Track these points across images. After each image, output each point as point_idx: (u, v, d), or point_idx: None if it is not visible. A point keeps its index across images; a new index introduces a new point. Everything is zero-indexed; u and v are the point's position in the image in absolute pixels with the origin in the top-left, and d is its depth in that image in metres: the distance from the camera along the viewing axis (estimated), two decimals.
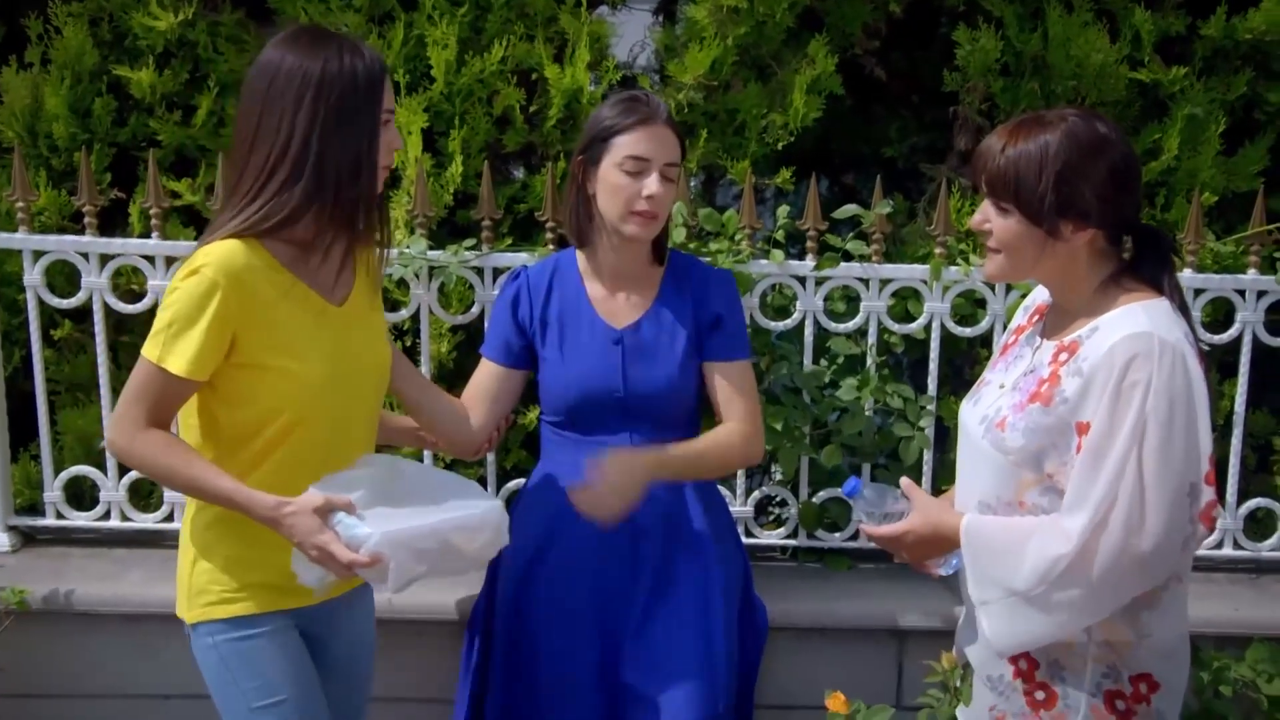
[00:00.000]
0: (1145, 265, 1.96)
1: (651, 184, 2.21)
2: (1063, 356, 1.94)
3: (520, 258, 2.76)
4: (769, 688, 2.74)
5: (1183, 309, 1.95)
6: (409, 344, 3.03)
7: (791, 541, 2.95)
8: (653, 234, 2.28)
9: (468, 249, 2.76)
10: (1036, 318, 2.12)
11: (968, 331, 2.87)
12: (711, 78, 2.91)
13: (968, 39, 2.97)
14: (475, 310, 2.83)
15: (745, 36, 2.91)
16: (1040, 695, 1.98)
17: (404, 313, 2.84)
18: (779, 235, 2.81)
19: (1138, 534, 1.80)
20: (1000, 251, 1.97)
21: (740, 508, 2.92)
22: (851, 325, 2.85)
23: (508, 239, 2.94)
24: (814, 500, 2.92)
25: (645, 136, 2.21)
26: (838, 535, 2.95)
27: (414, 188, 2.82)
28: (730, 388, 2.38)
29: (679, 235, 2.75)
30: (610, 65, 2.87)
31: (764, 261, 2.79)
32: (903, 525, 1.99)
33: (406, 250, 2.73)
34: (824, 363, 2.89)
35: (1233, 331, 2.85)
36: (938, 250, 2.81)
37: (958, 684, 2.14)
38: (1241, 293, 2.82)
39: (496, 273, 2.78)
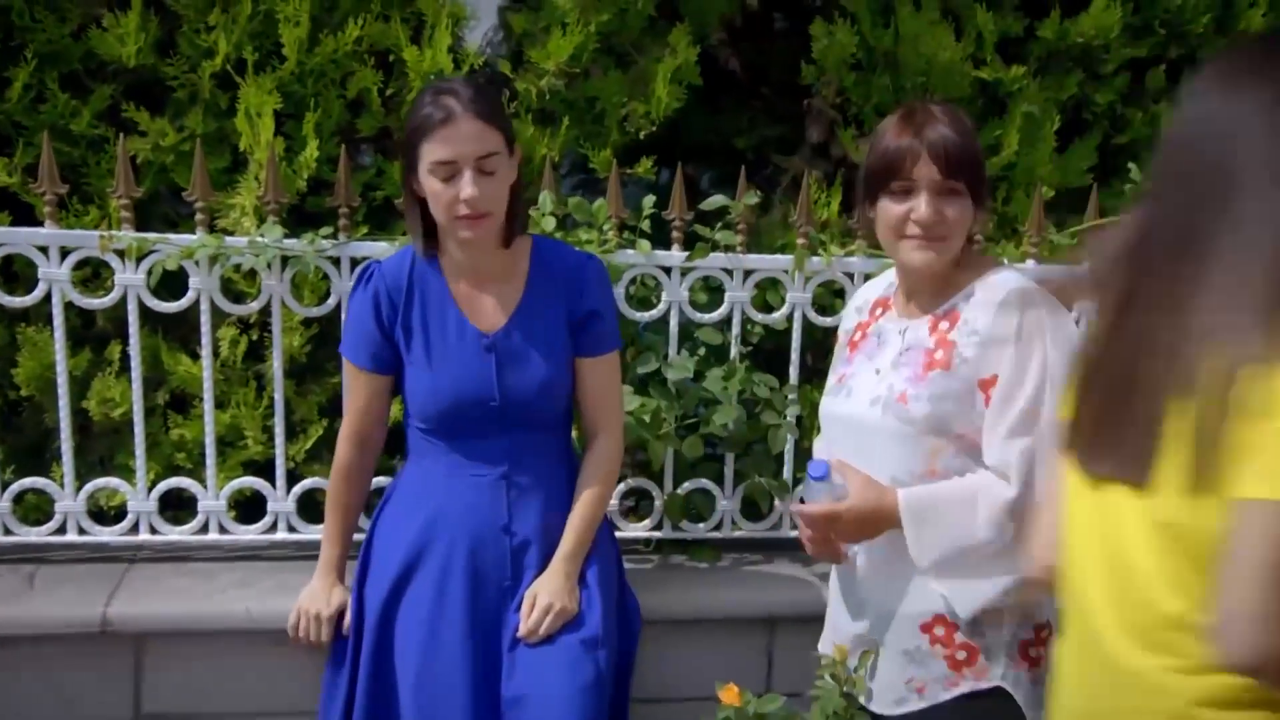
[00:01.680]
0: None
1: (466, 186, 2.09)
2: (943, 326, 2.04)
3: (379, 247, 2.65)
4: (642, 680, 2.72)
5: None
6: (255, 338, 2.87)
7: (656, 534, 2.94)
8: (488, 232, 2.18)
9: (324, 237, 2.63)
10: (880, 310, 2.20)
11: (829, 321, 2.92)
12: (573, 65, 2.86)
13: (824, 33, 3.02)
14: (331, 302, 2.69)
15: (607, 24, 2.87)
16: (962, 655, 2.05)
17: (254, 305, 2.68)
18: (645, 225, 2.79)
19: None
20: (946, 239, 2.01)
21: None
22: (717, 315, 2.86)
23: (363, 227, 2.81)
24: (678, 491, 2.92)
25: (448, 138, 2.09)
26: (702, 526, 2.96)
27: (264, 173, 2.66)
28: (600, 387, 2.36)
29: (548, 224, 2.69)
30: (471, 50, 2.78)
31: (630, 251, 2.77)
32: (844, 504, 1.99)
33: (260, 239, 2.58)
34: (685, 354, 2.88)
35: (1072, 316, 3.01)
36: (800, 240, 2.84)
37: (849, 673, 2.18)
38: None
39: (354, 263, 2.65)
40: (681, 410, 2.81)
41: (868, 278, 2.88)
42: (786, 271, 2.86)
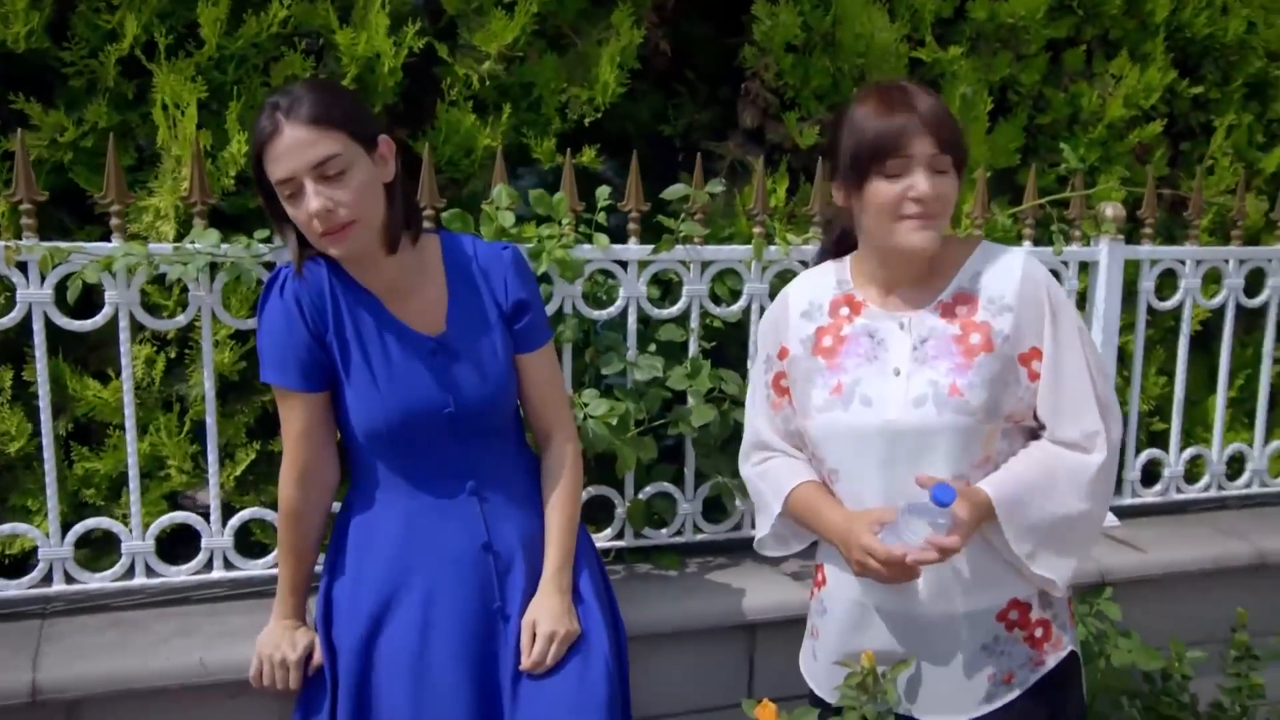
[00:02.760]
0: None
1: (310, 199, 1.87)
2: (961, 310, 2.00)
3: None
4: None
5: None
6: (174, 355, 2.56)
7: (618, 543, 2.79)
8: (360, 242, 1.94)
9: (261, 240, 2.36)
10: (847, 310, 2.09)
11: None
12: (513, 50, 2.66)
13: (767, 14, 2.91)
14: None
15: (546, 4, 2.69)
16: (1039, 632, 2.06)
17: (180, 318, 2.39)
18: (600, 218, 2.62)
19: (1118, 413, 2.01)
20: (940, 217, 1.96)
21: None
22: (675, 310, 2.72)
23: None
24: (639, 497, 2.78)
25: (278, 153, 1.86)
26: (664, 531, 2.82)
27: (185, 171, 2.38)
28: (544, 381, 2.20)
29: (506, 220, 2.50)
30: (410, 32, 2.54)
31: (587, 246, 2.60)
32: (953, 536, 1.85)
33: (190, 246, 2.29)
34: (649, 353, 2.74)
35: None
36: (756, 230, 2.73)
37: (878, 681, 2.08)
38: None
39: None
40: (645, 412, 2.67)
41: None
42: (744, 262, 2.76)
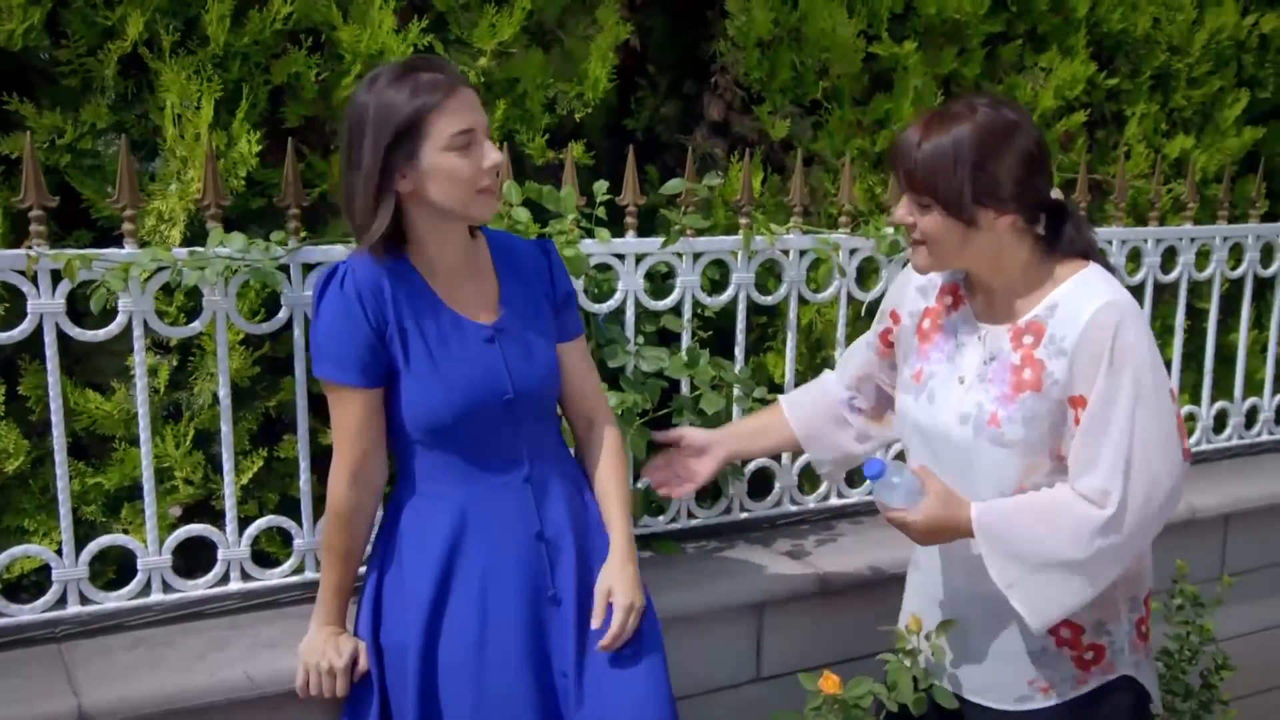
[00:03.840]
0: (1062, 236, 2.06)
1: (491, 152, 1.96)
2: (1027, 340, 2.01)
3: (336, 250, 2.37)
4: None
5: (1109, 268, 2.10)
6: (175, 363, 2.48)
7: None
8: (498, 209, 2.10)
9: (278, 243, 2.31)
10: (950, 300, 2.16)
11: (769, 300, 2.91)
12: (506, 46, 2.67)
13: (741, 9, 2.99)
14: (283, 316, 2.38)
15: (537, 1, 2.70)
16: (1089, 655, 2.10)
17: (195, 325, 2.31)
18: (600, 212, 2.66)
19: (1158, 483, 1.93)
20: (925, 243, 2.02)
21: None
22: (670, 301, 2.78)
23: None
24: (637, 486, 2.83)
25: (459, 107, 1.93)
26: (661, 519, 2.88)
27: (196, 172, 2.31)
28: (584, 370, 2.27)
29: (521, 215, 2.51)
30: (415, 29, 2.52)
31: (589, 241, 2.63)
32: (914, 514, 2.01)
33: (217, 250, 2.23)
34: (648, 344, 2.79)
35: None
36: (743, 221, 2.81)
37: (923, 644, 2.20)
38: None
39: (305, 269, 2.36)
40: (650, 403, 2.72)
41: (803, 254, 2.93)
42: (733, 252, 2.83)
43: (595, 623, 2.10)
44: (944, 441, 2.08)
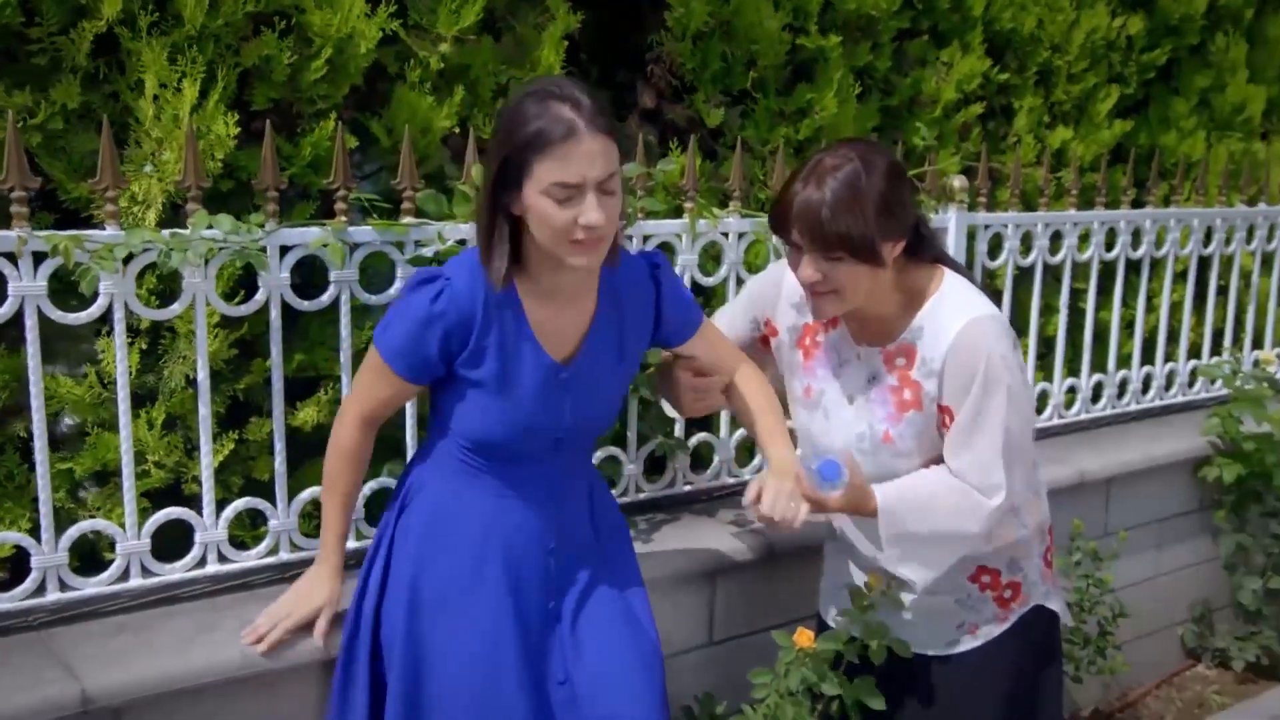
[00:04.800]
0: (921, 246, 2.20)
1: (590, 211, 1.85)
2: (899, 362, 2.17)
3: (311, 233, 2.39)
4: None
5: (957, 268, 2.26)
6: (145, 346, 2.45)
7: None
8: (598, 262, 1.96)
9: (258, 225, 2.32)
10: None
11: (710, 281, 3.04)
12: (466, 32, 2.72)
13: (680, 1, 3.10)
14: (260, 298, 2.38)
15: None
16: (1008, 593, 2.32)
17: (175, 307, 2.30)
18: None
19: (1028, 463, 2.21)
20: (836, 292, 2.08)
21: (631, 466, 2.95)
22: None
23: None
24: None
25: (571, 155, 1.82)
26: (613, 493, 2.97)
27: (173, 153, 2.30)
28: (717, 341, 2.34)
29: None
30: (384, 13, 2.54)
31: None
32: (833, 497, 2.16)
33: (205, 232, 2.22)
34: None
35: None
36: (689, 205, 2.93)
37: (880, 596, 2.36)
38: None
39: (282, 251, 2.37)
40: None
41: (741, 237, 3.06)
42: (679, 235, 2.95)
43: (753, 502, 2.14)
44: (829, 442, 2.26)
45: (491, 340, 2.01)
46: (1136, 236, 4.00)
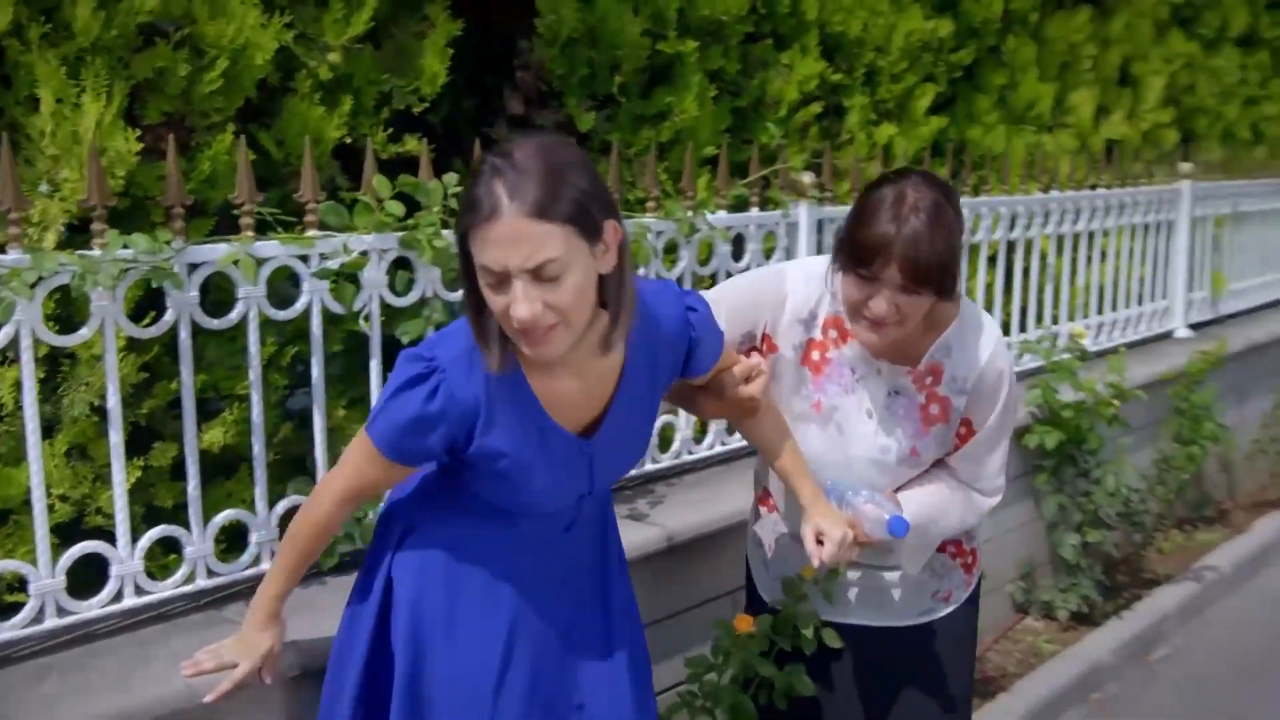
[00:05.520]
0: None
1: (516, 304, 1.64)
2: (928, 380, 2.19)
3: (221, 249, 2.33)
4: None
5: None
6: (43, 375, 2.32)
7: None
8: (553, 349, 1.72)
9: (165, 242, 2.24)
10: (835, 334, 2.22)
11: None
12: (354, 41, 2.69)
13: (550, 9, 3.15)
14: (169, 318, 2.30)
15: None
16: (970, 560, 2.44)
17: (85, 331, 2.20)
18: (451, 203, 2.74)
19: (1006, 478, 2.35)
20: (898, 324, 2.05)
21: None
22: None
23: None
24: None
25: (491, 240, 1.62)
26: None
27: (74, 171, 2.19)
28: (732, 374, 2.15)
29: (397, 209, 2.55)
30: (278, 24, 2.48)
31: (446, 232, 2.71)
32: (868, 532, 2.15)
33: (111, 255, 2.13)
34: None
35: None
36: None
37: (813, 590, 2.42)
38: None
39: (190, 269, 2.30)
40: None
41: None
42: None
43: (813, 560, 2.12)
44: (855, 465, 2.23)
45: (501, 429, 1.83)
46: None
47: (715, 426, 3.43)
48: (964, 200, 4.24)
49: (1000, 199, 4.47)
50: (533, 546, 1.99)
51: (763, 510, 2.50)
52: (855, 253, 2.01)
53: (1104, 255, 5.15)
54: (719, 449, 3.47)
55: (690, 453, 3.41)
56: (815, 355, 2.21)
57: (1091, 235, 5.05)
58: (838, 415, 2.22)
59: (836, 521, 2.12)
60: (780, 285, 2.24)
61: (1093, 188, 5.09)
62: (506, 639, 1.96)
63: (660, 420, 3.24)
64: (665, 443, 3.31)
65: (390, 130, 2.85)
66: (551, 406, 1.85)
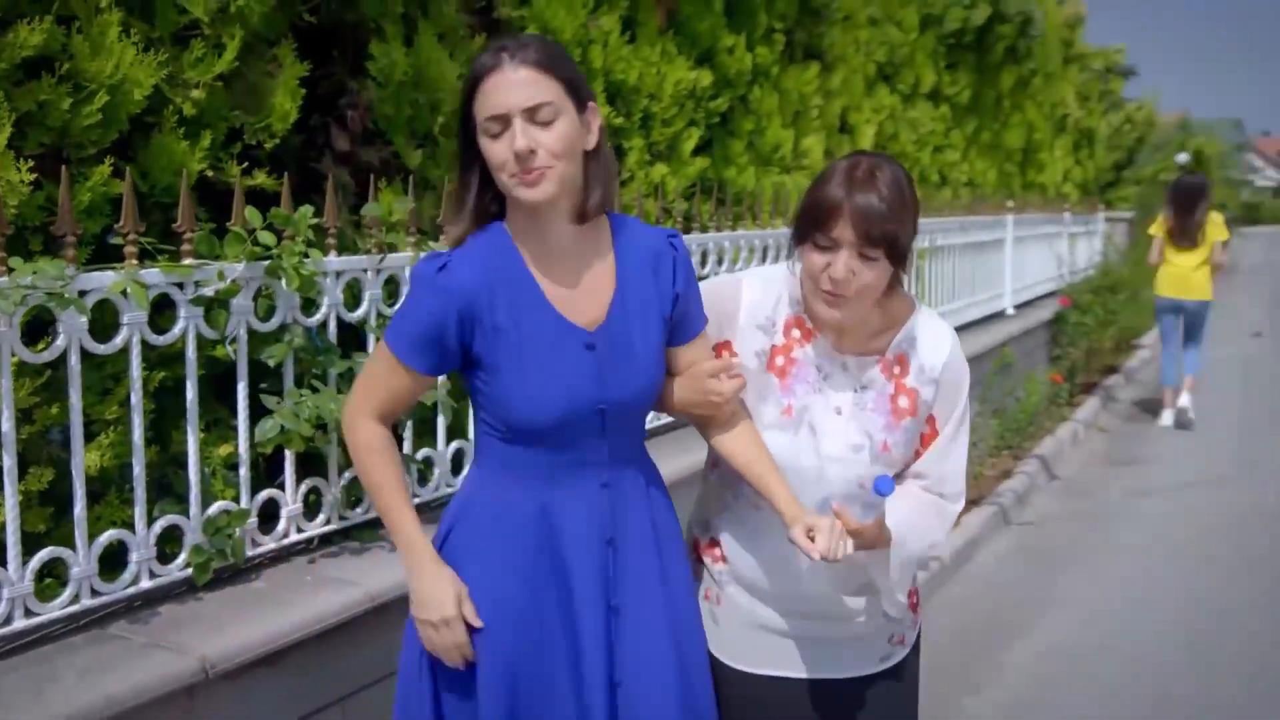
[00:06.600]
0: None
1: (516, 137, 1.82)
2: (896, 370, 2.15)
3: (109, 276, 2.42)
4: (373, 663, 2.86)
5: None
6: None
7: (328, 528, 3.07)
8: (550, 193, 1.87)
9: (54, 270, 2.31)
10: (798, 333, 2.17)
11: None
12: (214, 79, 2.82)
13: (384, 53, 3.34)
14: (60, 344, 2.36)
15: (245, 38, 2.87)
16: (915, 598, 2.32)
17: None
18: (308, 234, 2.89)
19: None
20: (857, 296, 2.03)
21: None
22: (361, 312, 3.08)
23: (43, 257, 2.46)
24: (343, 481, 3.09)
25: (495, 87, 1.83)
26: (359, 510, 3.16)
27: None
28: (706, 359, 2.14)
29: (269, 239, 2.69)
30: (153, 60, 2.58)
31: (307, 259, 2.86)
32: (871, 529, 2.00)
33: (16, 280, 2.19)
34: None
35: None
36: (409, 239, 3.20)
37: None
38: None
39: (80, 295, 2.38)
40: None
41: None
42: (407, 268, 3.20)
43: (811, 555, 1.97)
44: (831, 465, 2.12)
45: (507, 315, 1.94)
46: (720, 255, 4.76)
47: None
48: (725, 235, 4.72)
49: (755, 233, 4.97)
50: (573, 505, 2.00)
51: (707, 561, 2.29)
52: (811, 216, 2.02)
53: None
54: None
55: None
56: (780, 360, 2.16)
57: None
58: (808, 415, 2.14)
59: (821, 515, 2.02)
60: (736, 291, 2.20)
61: None
62: (542, 614, 1.98)
63: None
64: None
65: (246, 164, 2.97)
66: (554, 300, 1.96)
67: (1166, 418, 8.87)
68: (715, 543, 2.26)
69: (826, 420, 2.13)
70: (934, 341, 2.16)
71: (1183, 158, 25.46)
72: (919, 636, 2.34)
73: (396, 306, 3.13)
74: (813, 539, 1.95)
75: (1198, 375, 8.94)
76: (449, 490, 3.41)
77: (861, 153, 2.10)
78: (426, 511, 3.34)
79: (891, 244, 1.98)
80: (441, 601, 1.97)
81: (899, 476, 2.16)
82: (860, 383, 2.15)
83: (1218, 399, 9.65)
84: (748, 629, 2.22)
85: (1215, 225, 8.58)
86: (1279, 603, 5.19)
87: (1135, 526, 6.22)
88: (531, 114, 1.84)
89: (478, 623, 1.98)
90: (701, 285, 2.15)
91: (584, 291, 1.99)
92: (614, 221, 2.06)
